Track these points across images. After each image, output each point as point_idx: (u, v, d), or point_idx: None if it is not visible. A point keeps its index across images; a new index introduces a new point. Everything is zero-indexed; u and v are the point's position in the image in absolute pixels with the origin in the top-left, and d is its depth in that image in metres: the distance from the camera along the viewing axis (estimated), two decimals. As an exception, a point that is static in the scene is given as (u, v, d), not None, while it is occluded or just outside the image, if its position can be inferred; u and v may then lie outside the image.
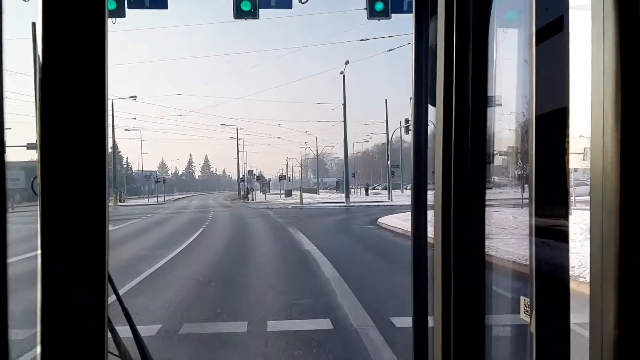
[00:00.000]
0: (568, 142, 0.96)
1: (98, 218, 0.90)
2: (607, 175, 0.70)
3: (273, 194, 72.21)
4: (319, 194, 67.12)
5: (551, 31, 0.97)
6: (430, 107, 1.54)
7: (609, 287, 0.70)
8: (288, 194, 64.06)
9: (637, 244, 0.67)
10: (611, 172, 0.70)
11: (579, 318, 1.02)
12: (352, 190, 58.46)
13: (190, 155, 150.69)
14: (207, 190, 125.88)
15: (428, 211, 1.61)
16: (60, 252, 0.88)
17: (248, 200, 53.67)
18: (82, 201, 0.89)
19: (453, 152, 1.29)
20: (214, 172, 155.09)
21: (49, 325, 0.88)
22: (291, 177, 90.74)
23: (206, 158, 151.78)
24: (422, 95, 1.57)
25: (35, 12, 0.89)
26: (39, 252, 0.88)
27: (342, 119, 38.76)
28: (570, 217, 1.01)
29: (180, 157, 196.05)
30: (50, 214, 0.88)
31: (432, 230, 1.40)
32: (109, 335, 1.23)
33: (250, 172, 67.42)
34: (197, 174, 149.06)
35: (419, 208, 1.61)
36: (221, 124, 62.24)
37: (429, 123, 1.58)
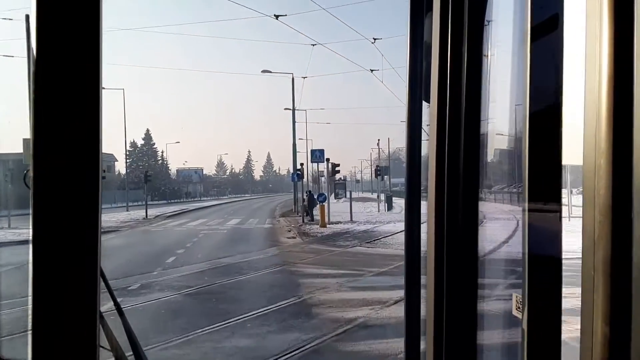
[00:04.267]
0: (561, 140, 0.97)
1: (91, 211, 0.89)
2: (599, 174, 0.71)
3: (355, 199, 39.09)
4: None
5: (546, 29, 0.97)
6: (424, 103, 1.54)
7: (600, 284, 0.71)
8: (389, 204, 35.28)
9: (629, 241, 0.68)
10: (604, 170, 0.70)
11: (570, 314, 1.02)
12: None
13: (249, 152, 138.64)
14: (268, 192, 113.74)
15: (422, 207, 1.61)
16: (53, 246, 0.87)
17: (312, 220, 25.59)
18: (75, 194, 0.88)
19: (447, 148, 1.30)
20: (277, 172, 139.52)
21: (41, 319, 0.88)
22: (361, 179, 70.50)
23: (268, 156, 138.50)
24: (417, 92, 1.57)
25: (29, 5, 0.88)
26: (31, 245, 0.87)
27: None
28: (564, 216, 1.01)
29: (234, 152, 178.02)
30: (42, 207, 0.87)
31: (425, 226, 1.40)
32: (101, 329, 1.23)
33: (319, 154, 28.85)
34: (259, 173, 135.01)
35: (412, 203, 1.61)
36: (262, 71, 36.66)
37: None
